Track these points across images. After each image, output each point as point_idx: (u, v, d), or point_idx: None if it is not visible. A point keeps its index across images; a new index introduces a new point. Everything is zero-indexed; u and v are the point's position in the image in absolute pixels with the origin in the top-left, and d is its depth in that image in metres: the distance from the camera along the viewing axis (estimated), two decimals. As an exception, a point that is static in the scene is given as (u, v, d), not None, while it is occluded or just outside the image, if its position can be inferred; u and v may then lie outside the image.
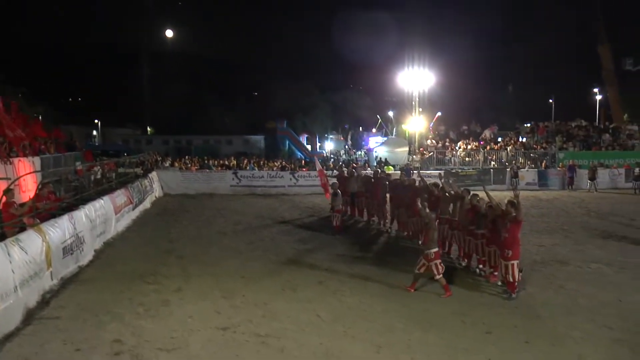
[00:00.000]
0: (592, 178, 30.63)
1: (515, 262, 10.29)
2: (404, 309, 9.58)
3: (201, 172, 29.96)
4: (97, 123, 70.92)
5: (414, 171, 29.73)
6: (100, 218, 14.51)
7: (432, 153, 36.10)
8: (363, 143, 55.74)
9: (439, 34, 60.37)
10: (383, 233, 17.14)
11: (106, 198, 15.80)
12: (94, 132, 71.01)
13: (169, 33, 58.34)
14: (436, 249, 10.42)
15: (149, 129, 78.21)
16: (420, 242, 11.04)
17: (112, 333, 8.35)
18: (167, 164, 33.54)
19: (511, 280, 10.26)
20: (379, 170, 23.98)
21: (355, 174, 20.16)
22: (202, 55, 76.54)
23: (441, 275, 10.30)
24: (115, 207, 16.30)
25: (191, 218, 20.00)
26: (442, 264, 10.47)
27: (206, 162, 35.29)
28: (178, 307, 9.54)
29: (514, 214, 10.35)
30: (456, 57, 58.30)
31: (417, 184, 15.92)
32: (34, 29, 63.81)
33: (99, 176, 19.82)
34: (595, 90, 60.15)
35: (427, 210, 10.98)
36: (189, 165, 33.75)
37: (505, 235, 10.36)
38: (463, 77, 60.36)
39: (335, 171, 25.79)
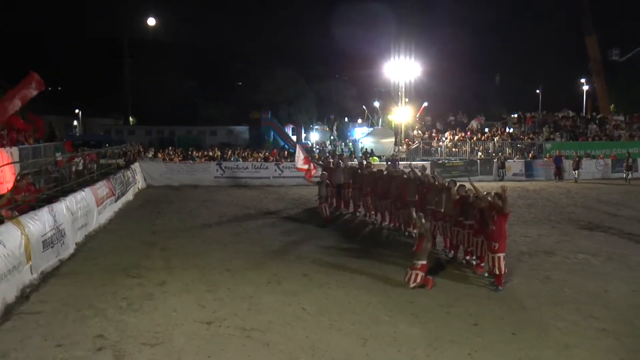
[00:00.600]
0: (576, 168, 31.03)
1: (502, 255, 10.38)
2: (390, 301, 9.63)
3: (185, 163, 29.89)
4: (78, 113, 70.13)
5: (399, 162, 29.89)
6: (82, 210, 14.38)
7: (418, 144, 36.22)
8: (349, 134, 55.77)
9: (426, 24, 60.63)
10: (369, 225, 17.19)
11: (88, 190, 15.67)
12: (75, 122, 70.21)
13: (152, 21, 57.66)
14: (425, 262, 10.35)
15: (131, 119, 77.50)
16: (413, 249, 10.99)
17: (94, 328, 8.29)
18: (150, 155, 33.38)
19: (497, 272, 10.34)
20: (365, 162, 24.02)
21: (342, 164, 20.14)
22: (186, 44, 76.12)
23: (415, 284, 10.18)
24: (97, 199, 16.17)
25: (175, 210, 19.93)
26: (423, 278, 10.28)
27: (190, 153, 35.16)
28: (162, 301, 9.49)
29: (501, 206, 10.40)
30: (443, 47, 58.56)
31: (405, 175, 15.88)
32: (11, 16, 62.94)
33: (80, 167, 19.62)
34: (582, 80, 60.67)
35: (424, 220, 10.92)
36: (172, 156, 33.62)
37: (492, 227, 10.44)
38: (450, 67, 60.58)
39: (320, 162, 25.75)
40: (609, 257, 12.93)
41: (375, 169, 18.69)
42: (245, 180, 28.61)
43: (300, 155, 21.10)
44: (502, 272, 10.33)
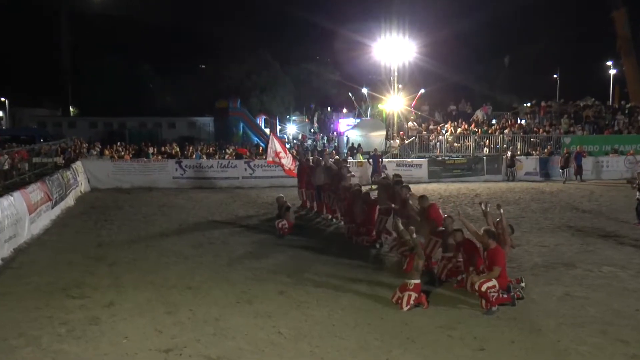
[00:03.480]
0: (565, 166, 31.25)
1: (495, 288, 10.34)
2: (381, 323, 9.67)
3: (137, 161, 29.72)
4: (4, 102, 69.31)
5: (382, 160, 29.98)
6: (10, 219, 14.22)
7: (413, 138, 36.40)
8: (332, 126, 56.07)
9: (423, -4, 60.78)
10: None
11: (17, 194, 15.51)
12: (0, 114, 69.44)
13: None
14: (418, 281, 10.40)
15: (71, 109, 76.82)
16: (403, 268, 11.02)
17: None
18: (95, 152, 33.10)
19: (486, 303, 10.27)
20: (340, 159, 24.20)
21: (323, 162, 20.19)
22: (138, 20, 75.37)
23: (409, 307, 10.24)
24: (29, 205, 16.01)
25: (125, 217, 19.85)
26: (418, 299, 10.34)
27: (143, 149, 34.95)
28: (110, 326, 9.43)
29: (492, 246, 10.40)
30: (442, 24, 58.92)
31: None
32: None
33: (6, 167, 19.44)
34: (609, 63, 61.28)
35: (414, 233, 10.94)
36: (122, 153, 33.38)
37: (486, 271, 10.43)
38: (450, 47, 60.99)
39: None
40: (639, 270, 13.06)
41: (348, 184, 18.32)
42: (210, 181, 28.57)
43: (273, 147, 20.92)
44: (491, 300, 10.19)
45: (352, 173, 21.94)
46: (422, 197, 13.64)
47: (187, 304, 10.52)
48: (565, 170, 31.22)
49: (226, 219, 19.67)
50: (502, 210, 11.92)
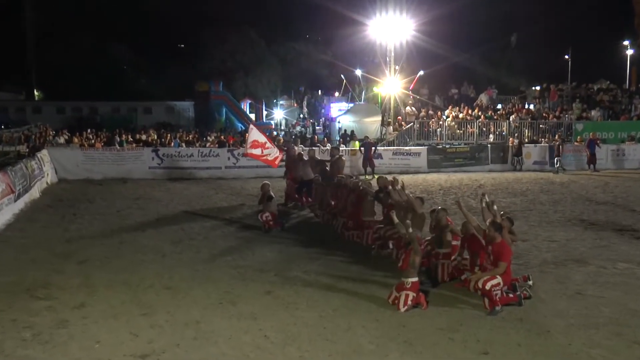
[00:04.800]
0: (557, 155, 31.50)
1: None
2: (376, 325, 9.68)
3: (110, 150, 29.62)
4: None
5: (375, 148, 30.05)
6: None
7: (412, 124, 36.44)
8: (323, 111, 56.08)
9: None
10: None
11: (-22, 186, 15.43)
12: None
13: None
14: (415, 279, 10.43)
15: (36, 93, 76.46)
16: (399, 265, 11.02)
17: (-13, 367, 8.22)
18: (63, 139, 33.01)
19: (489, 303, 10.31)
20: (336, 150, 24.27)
21: (307, 157, 20.38)
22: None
23: (406, 307, 10.27)
24: (-10, 198, 15.94)
25: (97, 211, 19.80)
26: (416, 299, 10.35)
27: (117, 137, 34.85)
28: (80, 330, 9.40)
29: (497, 240, 10.39)
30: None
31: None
32: None
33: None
34: (625, 43, 61.33)
35: (410, 227, 10.96)
36: (93, 141, 33.31)
37: (489, 267, 10.44)
38: (452, 25, 60.91)
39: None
40: (659, 266, 13.07)
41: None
42: (189, 171, 28.56)
43: (253, 136, 20.66)
44: (495, 299, 10.21)
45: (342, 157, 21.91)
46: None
47: (165, 305, 10.50)
48: (557, 160, 31.39)
49: (208, 213, 19.66)
50: (495, 207, 11.75)
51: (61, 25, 71.06)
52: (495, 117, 37.86)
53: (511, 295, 10.47)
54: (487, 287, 10.06)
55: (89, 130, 38.30)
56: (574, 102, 39.87)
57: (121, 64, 75.70)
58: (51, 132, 35.04)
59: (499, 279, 10.15)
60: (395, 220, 11.53)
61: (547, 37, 68.43)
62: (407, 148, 32.75)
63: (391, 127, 37.09)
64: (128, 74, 75.82)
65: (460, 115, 37.98)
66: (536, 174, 29.87)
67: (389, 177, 16.01)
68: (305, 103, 69.43)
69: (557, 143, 31.88)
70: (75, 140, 33.01)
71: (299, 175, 20.25)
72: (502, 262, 10.23)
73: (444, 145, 34.11)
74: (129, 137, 35.36)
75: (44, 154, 26.18)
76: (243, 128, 55.75)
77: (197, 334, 9.27)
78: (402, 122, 37.29)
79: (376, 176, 18.85)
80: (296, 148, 22.33)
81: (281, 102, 72.88)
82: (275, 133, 50.08)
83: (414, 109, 39.23)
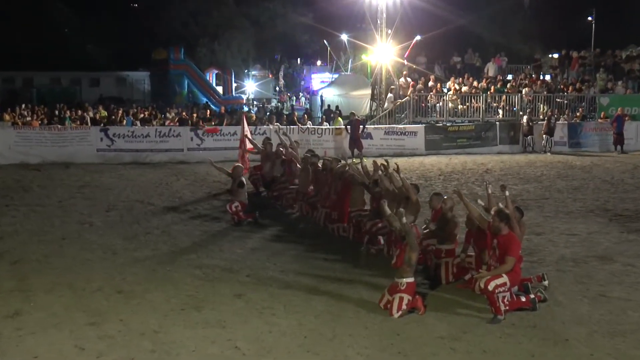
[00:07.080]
0: (548, 133, 31.93)
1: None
2: (365, 334, 9.70)
3: (49, 129, 29.36)
4: None
5: (364, 127, 30.05)
6: None
7: (408, 98, 36.43)
8: (303, 83, 56.08)
9: None
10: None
11: None
12: None
13: None
14: (411, 280, 10.45)
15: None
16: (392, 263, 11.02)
17: None
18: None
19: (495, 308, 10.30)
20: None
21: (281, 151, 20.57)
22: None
23: (401, 312, 10.30)
24: None
25: (34, 201, 19.70)
26: (412, 303, 10.39)
27: (58, 113, 34.61)
28: (14, 342, 9.35)
29: (504, 232, 10.33)
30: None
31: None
32: None
33: None
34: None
35: (403, 217, 10.95)
36: (29, 118, 33.02)
37: (494, 264, 10.41)
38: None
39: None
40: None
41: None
42: (145, 154, 28.46)
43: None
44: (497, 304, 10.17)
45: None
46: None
47: (117, 312, 10.45)
48: (546, 137, 31.75)
49: (168, 203, 19.63)
50: (507, 193, 11.60)
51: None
52: (506, 90, 37.85)
53: (523, 299, 10.46)
54: (490, 287, 9.95)
55: (23, 106, 37.81)
56: (598, 72, 39.88)
57: (62, 27, 74.86)
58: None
59: (505, 278, 10.05)
60: (387, 211, 11.51)
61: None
62: (401, 127, 32.75)
63: (387, 102, 36.96)
64: (70, 39, 74.97)
65: (464, 88, 37.93)
66: (552, 157, 30.03)
67: (379, 161, 15.89)
68: (281, 74, 69.54)
69: (549, 117, 32.17)
70: (7, 117, 32.59)
71: (267, 171, 20.44)
72: (509, 257, 10.10)
73: (444, 123, 34.16)
74: (73, 113, 35.03)
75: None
76: (208, 102, 55.50)
77: (155, 346, 9.24)
78: (396, 96, 37.21)
79: (365, 160, 18.85)
80: (271, 126, 22.33)
81: (253, 72, 72.70)
82: (246, 109, 49.99)
83: (409, 80, 39.16)
